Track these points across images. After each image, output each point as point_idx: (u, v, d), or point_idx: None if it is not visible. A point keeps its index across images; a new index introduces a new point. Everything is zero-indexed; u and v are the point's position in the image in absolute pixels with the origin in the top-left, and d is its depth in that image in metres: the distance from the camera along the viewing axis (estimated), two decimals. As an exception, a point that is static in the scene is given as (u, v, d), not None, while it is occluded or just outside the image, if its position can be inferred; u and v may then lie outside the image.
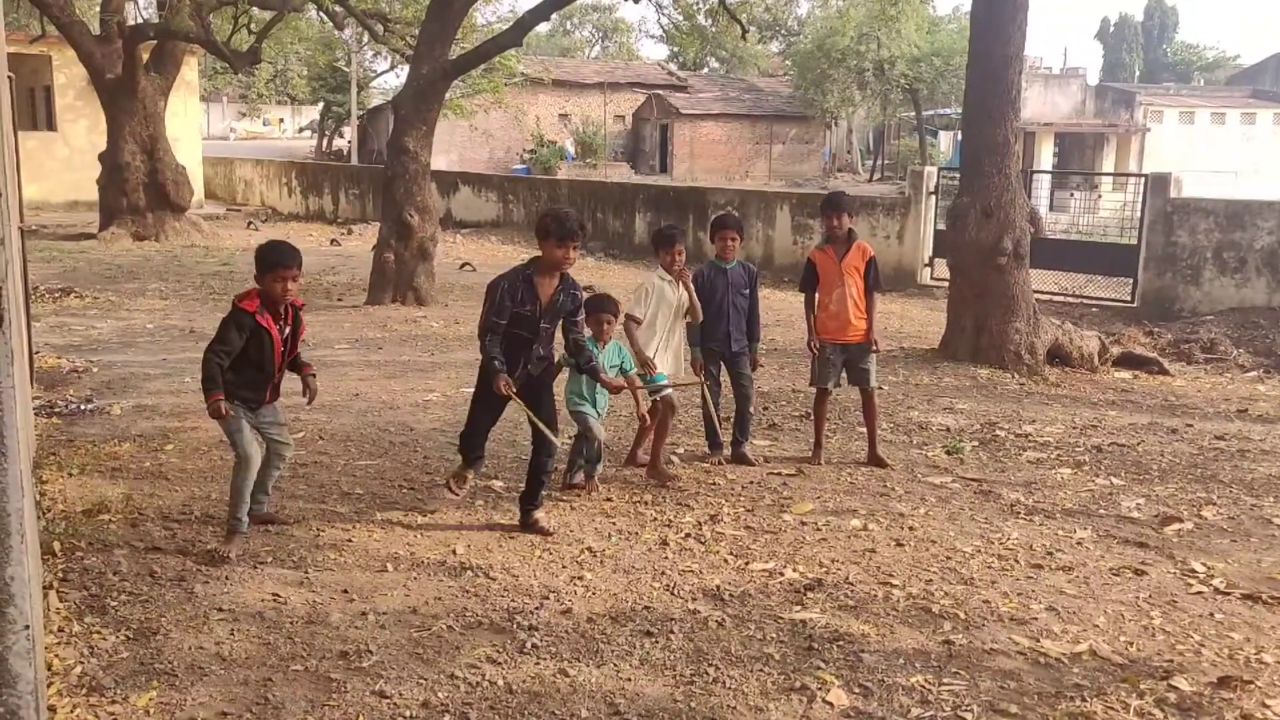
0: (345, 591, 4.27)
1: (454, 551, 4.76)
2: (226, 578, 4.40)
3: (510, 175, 32.10)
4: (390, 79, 56.23)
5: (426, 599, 4.22)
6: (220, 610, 4.06)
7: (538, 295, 5.05)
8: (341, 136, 50.86)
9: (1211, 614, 4.30)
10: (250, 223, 24.97)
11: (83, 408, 7.31)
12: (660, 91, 46.94)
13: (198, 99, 30.66)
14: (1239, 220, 12.83)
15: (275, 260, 4.76)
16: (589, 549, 4.85)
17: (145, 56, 19.73)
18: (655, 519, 5.33)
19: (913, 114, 45.34)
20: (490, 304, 5.05)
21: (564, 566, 4.63)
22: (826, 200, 6.90)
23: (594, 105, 46.97)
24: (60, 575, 4.36)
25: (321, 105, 51.23)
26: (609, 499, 5.65)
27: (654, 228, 19.61)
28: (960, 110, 15.89)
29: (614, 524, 5.23)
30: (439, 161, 14.34)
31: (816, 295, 6.73)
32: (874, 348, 6.63)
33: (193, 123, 28.70)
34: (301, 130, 67.51)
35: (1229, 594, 4.53)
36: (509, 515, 5.29)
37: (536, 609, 4.13)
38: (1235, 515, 5.66)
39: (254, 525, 4.89)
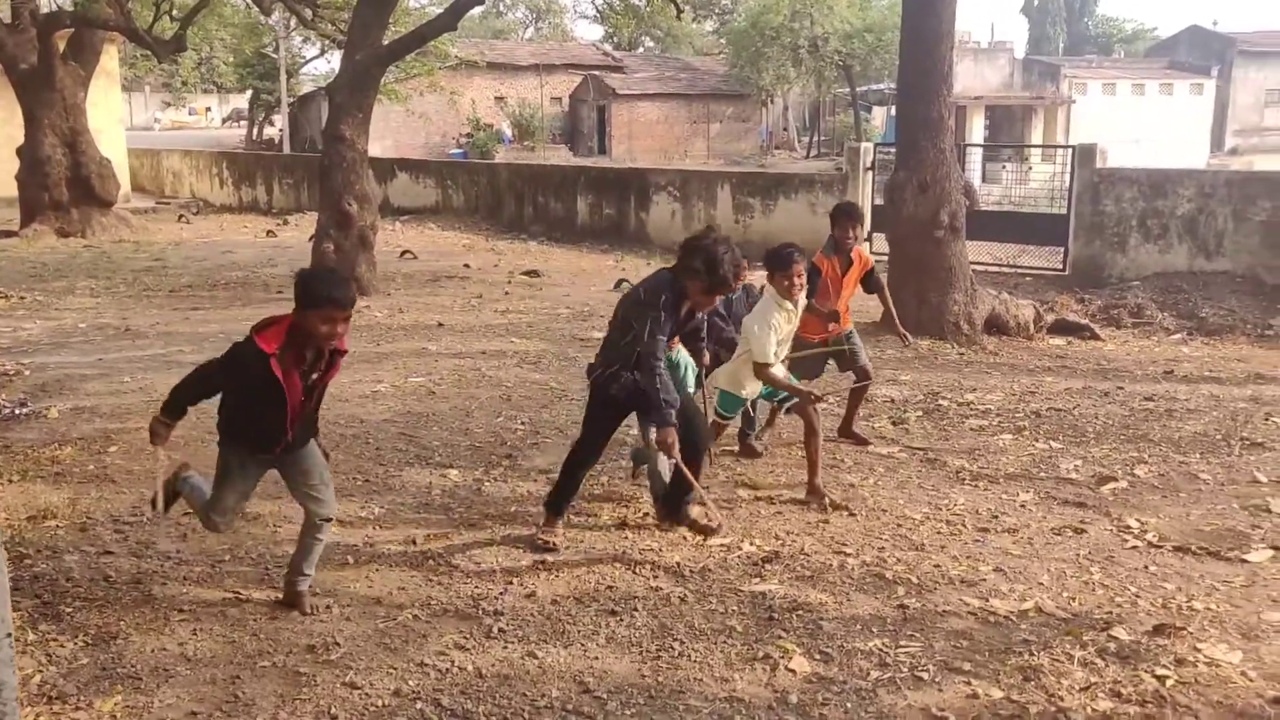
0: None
1: (414, 542, 4.80)
2: (185, 578, 4.40)
3: (448, 160, 31.85)
4: (320, 65, 55.37)
5: (390, 589, 4.26)
6: (181, 611, 4.07)
7: (677, 314, 4.70)
8: (272, 125, 50.02)
9: (1146, 567, 4.49)
10: (182, 215, 24.53)
11: (17, 412, 7.16)
12: (596, 72, 46.82)
13: (119, 89, 29.96)
14: (1161, 189, 13.18)
15: (326, 295, 3.74)
16: (549, 532, 4.92)
17: (62, 45, 19.19)
18: (613, 501, 5.41)
19: (847, 90, 45.69)
20: (652, 320, 4.52)
21: (525, 551, 4.69)
22: (846, 210, 6.60)
23: (530, 87, 46.71)
24: (10, 584, 4.32)
25: (250, 93, 50.33)
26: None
27: (596, 209, 19.73)
28: (894, 85, 16.17)
29: (572, 507, 5.29)
30: (374, 148, 14.23)
31: (813, 301, 6.31)
32: (905, 341, 6.99)
33: (115, 113, 28.05)
34: (227, 119, 66.23)
35: (1161, 547, 4.73)
36: (466, 504, 5.33)
37: (501, 594, 4.19)
38: (1165, 472, 5.89)
39: (280, 606, 4.13)
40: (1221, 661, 3.63)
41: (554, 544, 4.66)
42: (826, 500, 5.29)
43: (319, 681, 3.47)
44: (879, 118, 46.45)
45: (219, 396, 4.00)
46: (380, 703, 3.35)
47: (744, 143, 47.38)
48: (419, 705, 3.33)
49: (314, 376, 3.91)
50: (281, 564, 4.55)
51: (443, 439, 6.52)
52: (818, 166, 32.95)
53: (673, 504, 4.97)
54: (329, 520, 4.12)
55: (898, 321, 6.91)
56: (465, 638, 3.81)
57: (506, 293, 13.25)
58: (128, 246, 18.37)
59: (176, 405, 3.93)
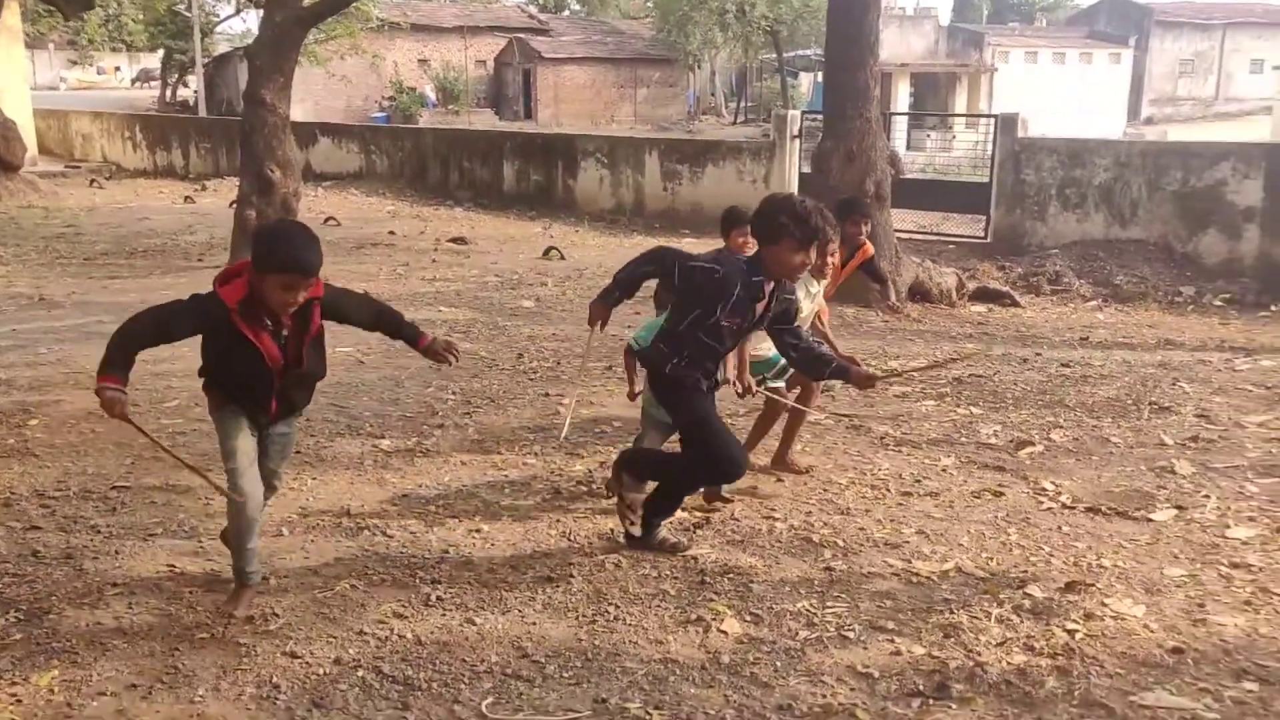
0: (243, 557, 4.29)
1: (348, 513, 4.81)
2: (117, 552, 4.37)
3: (371, 125, 31.35)
4: (236, 24, 53.90)
5: (326, 560, 4.28)
6: (115, 585, 4.04)
7: (755, 306, 4.09)
8: (186, 86, 48.65)
9: (1060, 527, 4.70)
10: (94, 180, 23.84)
11: (-69, 386, 6.99)
12: (521, 35, 46.33)
13: (22, 46, 28.87)
14: (1079, 159, 13.53)
15: (291, 259, 3.34)
16: (484, 502, 4.98)
17: (-42, 0, 18.51)
18: (547, 469, 5.48)
19: (774, 56, 45.86)
20: (687, 259, 4.09)
21: (460, 521, 4.74)
22: (856, 205, 6.26)
23: (454, 50, 46.05)
24: (-61, 559, 4.26)
25: (162, 53, 48.84)
26: (500, 452, 5.76)
27: (523, 175, 19.62)
28: (820, 52, 16.29)
29: (506, 476, 5.36)
30: (295, 111, 13.94)
31: None
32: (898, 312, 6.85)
33: (18, 72, 27.05)
34: (137, 80, 64.17)
35: (1074, 508, 4.95)
36: (399, 474, 5.36)
37: (438, 563, 4.24)
38: (1079, 436, 6.13)
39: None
40: (1127, 615, 3.83)
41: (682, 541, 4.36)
42: (797, 468, 5.34)
43: (259, 652, 3.50)
44: (806, 84, 46.78)
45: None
46: (321, 671, 3.39)
47: (671, 108, 47.34)
48: (360, 673, 3.38)
49: (285, 334, 3.52)
50: (213, 535, 4.54)
51: (373, 409, 6.52)
52: (745, 133, 33.10)
53: (650, 521, 4.44)
54: (275, 489, 4.03)
55: (893, 294, 6.85)
56: (404, 606, 3.85)
57: (433, 260, 13.17)
58: (37, 212, 17.82)
59: (114, 357, 3.34)
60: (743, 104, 49.62)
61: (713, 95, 52.43)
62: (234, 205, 13.92)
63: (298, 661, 3.45)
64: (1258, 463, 5.60)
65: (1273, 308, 11.20)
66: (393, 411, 6.50)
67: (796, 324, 4.37)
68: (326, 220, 16.57)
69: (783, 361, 4.94)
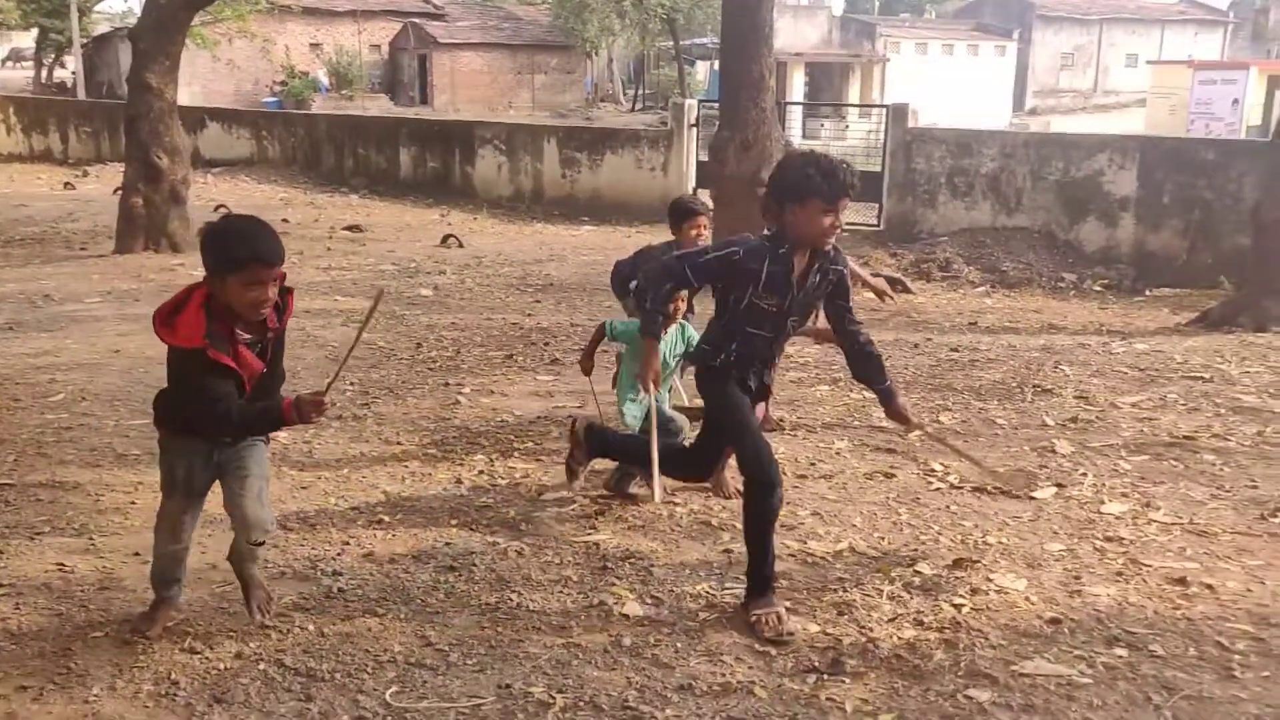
0: (137, 554, 4.20)
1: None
2: (1, 552, 4.24)
3: (263, 110, 30.58)
4: (115, 3, 51.93)
5: (224, 554, 4.21)
6: (0, 586, 3.93)
7: (791, 280, 3.72)
8: (63, 67, 46.76)
9: (948, 507, 4.88)
10: (-34, 166, 22.82)
11: None
12: (416, 19, 45.64)
13: (-121, 25, 27.45)
14: (967, 148, 13.95)
15: (249, 253, 3.06)
16: (384, 493, 4.96)
17: None
18: (447, 459, 5.47)
19: (671, 43, 46.04)
20: (698, 254, 3.90)
21: (361, 512, 4.72)
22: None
23: (347, 34, 45.15)
24: None
25: (36, 32, 46.83)
26: (399, 443, 5.73)
27: (419, 162, 19.38)
28: (717, 40, 16.45)
29: (407, 468, 5.34)
30: (181, 96, 13.56)
31: None
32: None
33: (-121, 50, 25.72)
34: (7, 60, 61.39)
35: (961, 488, 5.15)
36: (297, 466, 5.30)
37: (338, 555, 4.22)
38: (967, 419, 6.36)
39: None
40: (1009, 589, 4.02)
41: (785, 632, 3.61)
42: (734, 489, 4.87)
43: (157, 649, 3.44)
44: (703, 72, 47.06)
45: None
46: (222, 665, 3.36)
47: (569, 95, 47.21)
48: (262, 666, 3.36)
49: (269, 335, 3.28)
50: (105, 532, 4.45)
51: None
52: (643, 120, 33.22)
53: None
54: (258, 544, 3.46)
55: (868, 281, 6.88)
56: (304, 598, 3.83)
57: (328, 249, 12.96)
58: (-97, 200, 17.02)
59: (258, 412, 3.22)
60: (640, 91, 49.73)
61: (611, 82, 52.42)
62: (119, 192, 13.50)
63: (197, 657, 3.41)
64: (1130, 441, 5.88)
65: (1148, 293, 11.74)
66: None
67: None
68: (217, 208, 16.10)
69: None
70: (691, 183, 16.02)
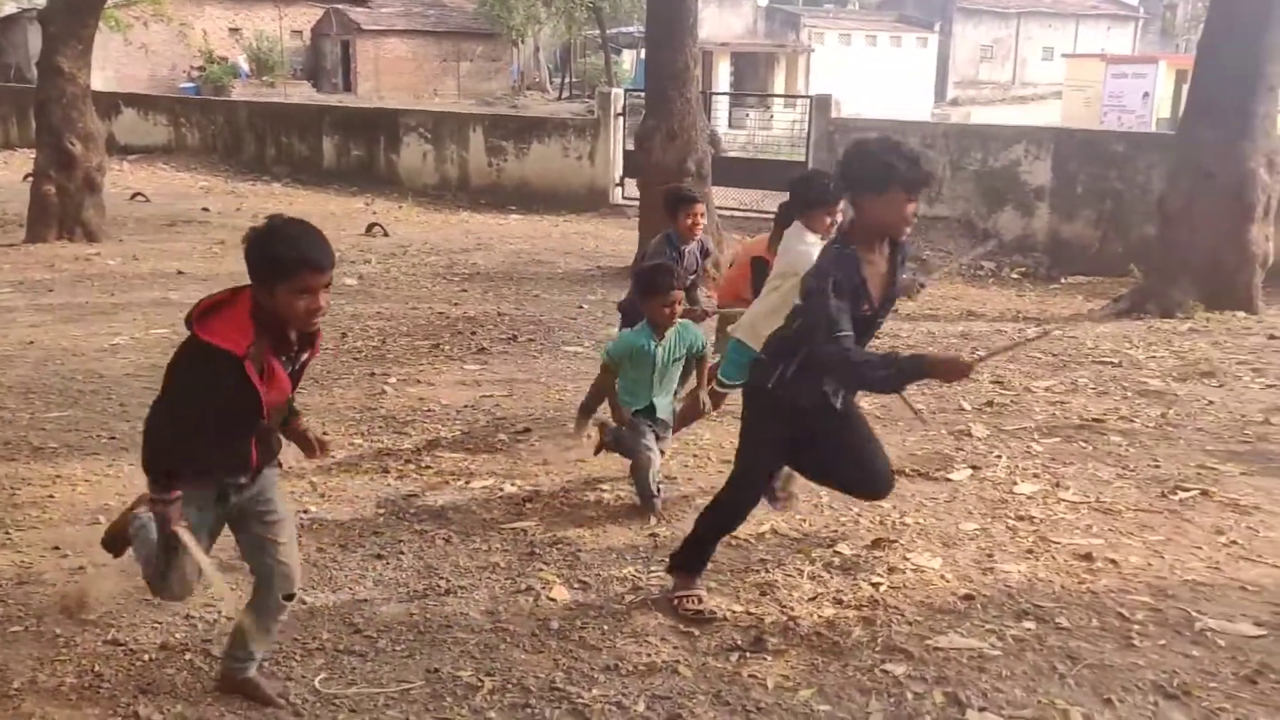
0: (56, 548, 4.16)
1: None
2: (-86, 547, 4.16)
3: (181, 96, 29.88)
4: (24, -15, 50.16)
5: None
6: (-85, 582, 3.86)
7: (866, 285, 3.44)
8: (-31, 50, 45.14)
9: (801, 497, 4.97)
10: None
11: None
12: (339, 5, 44.87)
13: None
14: (890, 139, 14.17)
15: (298, 257, 2.75)
16: (312, 483, 4.94)
17: None
18: (374, 448, 5.47)
19: (598, 32, 45.94)
20: (822, 310, 3.34)
21: (288, 502, 4.69)
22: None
23: (268, 19, 44.21)
24: None
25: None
26: (325, 433, 5.71)
27: (343, 150, 19.12)
28: (643, 29, 16.50)
29: (333, 457, 5.32)
30: (95, 80, 13.22)
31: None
32: None
33: None
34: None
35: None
36: (223, 456, 5.25)
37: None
38: (886, 404, 6.49)
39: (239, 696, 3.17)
40: (926, 567, 4.16)
41: (706, 610, 3.70)
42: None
43: (79, 642, 3.42)
44: (629, 61, 47.03)
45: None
46: (147, 657, 3.34)
47: (495, 83, 46.87)
48: (188, 656, 3.36)
49: (303, 358, 2.98)
50: (22, 526, 4.38)
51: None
52: (570, 109, 33.12)
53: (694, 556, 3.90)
54: (290, 598, 3.10)
55: None
56: (232, 588, 3.80)
57: (252, 238, 12.74)
58: None
59: (169, 468, 2.80)
60: (567, 80, 49.56)
61: (537, 71, 52.16)
62: (29, 179, 13.13)
63: (121, 649, 3.39)
64: (1043, 424, 6.09)
65: (1063, 280, 12.08)
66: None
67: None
68: (134, 196, 15.82)
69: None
70: (618, 172, 16.07)
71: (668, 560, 3.92)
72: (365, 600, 3.77)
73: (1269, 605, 3.90)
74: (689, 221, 5.49)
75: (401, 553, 4.17)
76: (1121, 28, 58.61)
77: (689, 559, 3.83)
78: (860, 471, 3.82)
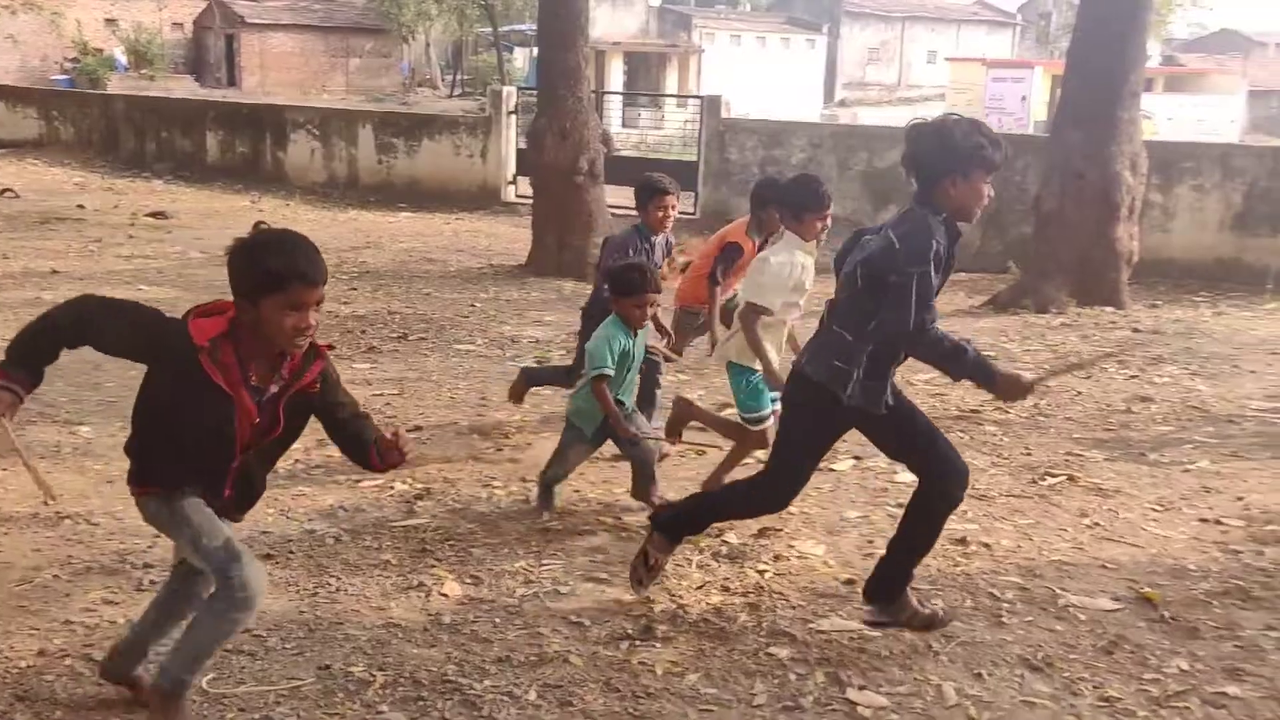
0: (-74, 555, 4.02)
1: (45, 503, 4.57)
2: None
3: (53, 89, 28.76)
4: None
5: (23, 552, 4.08)
6: None
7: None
8: None
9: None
10: None
11: None
12: (222, -3, 43.78)
13: None
14: (778, 139, 14.48)
15: (286, 270, 2.58)
16: (196, 484, 4.86)
17: None
18: (261, 448, 5.39)
19: (490, 29, 45.68)
20: (925, 288, 3.21)
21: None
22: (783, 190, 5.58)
23: (146, 10, 42.86)
24: None
25: None
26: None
27: (228, 146, 18.65)
28: (535, 26, 16.54)
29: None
30: (-38, 73, 12.69)
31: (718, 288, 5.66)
32: None
33: None
34: None
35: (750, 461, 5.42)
36: (103, 460, 5.13)
37: (149, 548, 4.13)
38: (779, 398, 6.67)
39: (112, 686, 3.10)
40: (809, 555, 4.30)
41: (654, 571, 3.77)
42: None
43: (-50, 651, 3.32)
44: (522, 59, 46.84)
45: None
46: (24, 664, 3.26)
47: (385, 79, 46.27)
48: (68, 661, 3.29)
49: (273, 390, 2.72)
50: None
51: (70, 394, 6.16)
52: (462, 106, 32.88)
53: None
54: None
55: None
56: (113, 593, 3.75)
57: (130, 236, 12.40)
58: None
59: (32, 354, 2.64)
60: (459, 77, 49.14)
61: (428, 68, 51.59)
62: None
63: (-5, 656, 3.30)
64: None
65: (941, 277, 12.47)
66: (91, 397, 6.17)
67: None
68: (3, 192, 15.20)
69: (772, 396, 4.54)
70: (511, 170, 16.04)
71: (651, 516, 3.93)
72: (254, 600, 3.74)
73: (1126, 581, 4.15)
74: (659, 214, 5.35)
75: (291, 552, 4.14)
76: (1000, 33, 60.71)
77: (679, 525, 3.79)
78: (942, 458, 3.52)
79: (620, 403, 4.54)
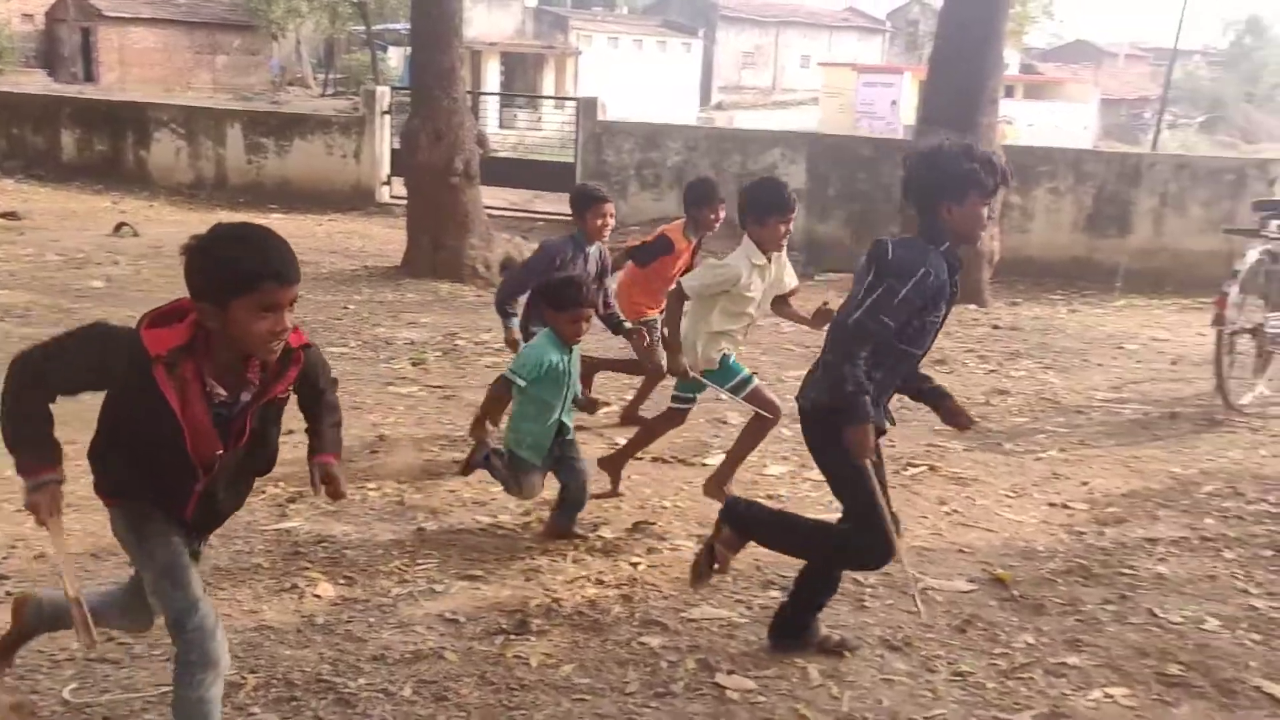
0: None
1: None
2: None
3: (-109, 82, 27.16)
4: None
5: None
6: None
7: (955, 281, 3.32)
8: None
9: (629, 476, 5.21)
10: None
11: None
12: (77, -11, 41.94)
13: None
14: (654, 141, 14.65)
15: (259, 269, 2.35)
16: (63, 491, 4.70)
17: None
18: (125, 455, 5.25)
19: (363, 28, 44.87)
20: (887, 296, 3.14)
21: (28, 514, 4.46)
22: (714, 191, 5.93)
23: (-6, 1, 40.81)
24: None
25: None
26: (73, 441, 5.42)
27: (85, 145, 17.91)
28: (410, 25, 16.37)
29: (81, 465, 5.06)
30: None
31: (642, 274, 5.84)
32: None
33: None
34: None
35: (642, 459, 5.51)
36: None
37: (5, 558, 4.00)
38: (656, 399, 6.77)
39: None
40: (681, 547, 4.41)
41: (724, 560, 3.62)
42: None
43: None
44: (396, 58, 46.16)
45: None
46: None
47: (254, 77, 45.04)
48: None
49: (246, 397, 2.51)
50: None
51: None
52: (335, 106, 32.24)
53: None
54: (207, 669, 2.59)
55: None
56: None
57: (-20, 238, 11.84)
58: None
59: (30, 436, 2.46)
60: (331, 76, 48.13)
61: (299, 66, 50.40)
62: None
63: None
64: (791, 411, 6.45)
65: (817, 277, 12.80)
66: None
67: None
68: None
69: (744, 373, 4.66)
70: (385, 170, 15.85)
71: (723, 509, 3.65)
72: (118, 608, 3.66)
73: (980, 564, 4.38)
74: (599, 222, 5.28)
75: (157, 559, 4.06)
76: (871, 39, 62.44)
77: (749, 526, 3.58)
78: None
79: (563, 425, 4.42)
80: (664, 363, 5.06)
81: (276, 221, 14.57)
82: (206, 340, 2.42)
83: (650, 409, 5.86)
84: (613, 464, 5.01)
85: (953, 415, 3.54)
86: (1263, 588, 4.24)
